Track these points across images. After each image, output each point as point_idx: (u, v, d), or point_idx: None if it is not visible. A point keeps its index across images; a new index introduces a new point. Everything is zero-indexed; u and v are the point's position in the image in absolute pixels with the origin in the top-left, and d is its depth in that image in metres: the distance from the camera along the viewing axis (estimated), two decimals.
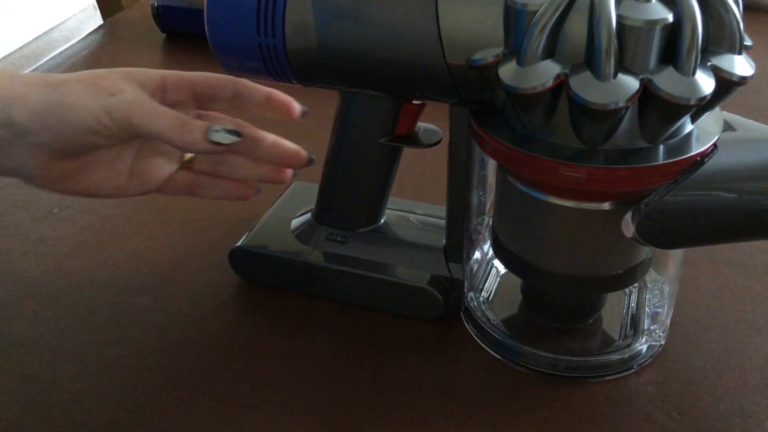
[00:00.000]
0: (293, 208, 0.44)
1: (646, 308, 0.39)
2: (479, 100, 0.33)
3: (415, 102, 0.37)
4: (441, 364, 0.37)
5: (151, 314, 0.41)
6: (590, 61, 0.27)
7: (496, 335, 0.38)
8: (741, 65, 0.28)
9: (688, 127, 0.31)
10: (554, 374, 0.36)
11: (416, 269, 0.39)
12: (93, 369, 0.37)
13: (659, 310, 0.39)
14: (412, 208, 0.44)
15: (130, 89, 0.31)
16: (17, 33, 2.96)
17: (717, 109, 0.32)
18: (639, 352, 0.37)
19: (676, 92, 0.27)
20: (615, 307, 0.39)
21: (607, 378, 0.36)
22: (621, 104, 0.27)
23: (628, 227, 0.31)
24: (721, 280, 0.43)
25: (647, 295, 0.40)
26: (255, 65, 0.35)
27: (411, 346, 0.38)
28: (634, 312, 0.39)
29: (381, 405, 0.35)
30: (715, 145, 0.31)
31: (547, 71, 0.28)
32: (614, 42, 0.26)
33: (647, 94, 0.27)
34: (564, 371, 0.36)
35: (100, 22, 0.87)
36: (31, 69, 0.73)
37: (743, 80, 0.28)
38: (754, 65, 0.29)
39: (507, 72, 0.29)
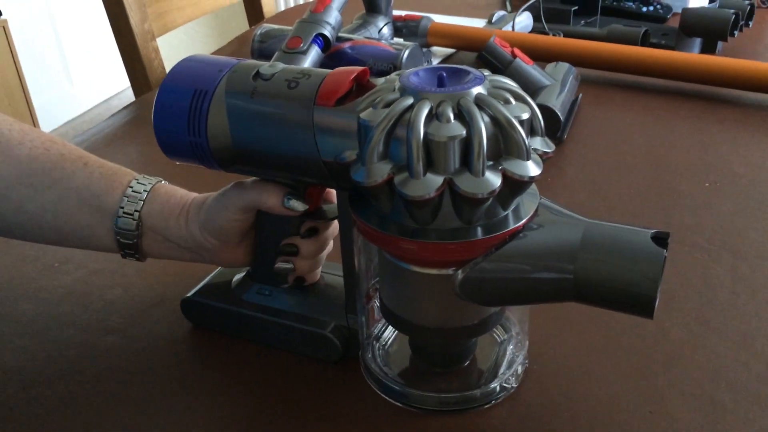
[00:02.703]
0: (234, 271, 0.54)
1: (507, 355, 0.46)
2: (352, 187, 0.41)
3: (318, 186, 0.47)
4: (337, 401, 0.45)
5: (116, 350, 0.50)
6: (408, 164, 0.36)
7: (383, 379, 0.45)
8: (528, 168, 0.36)
9: (502, 212, 0.39)
10: (423, 408, 0.44)
11: (322, 319, 0.48)
12: (61, 392, 0.47)
13: (516, 357, 0.46)
14: (328, 268, 0.52)
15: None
16: (81, 100, 3.21)
17: (535, 196, 0.40)
18: (494, 391, 0.44)
19: (468, 188, 0.35)
20: (487, 352, 0.47)
21: (468, 409, 0.44)
22: (430, 195, 0.35)
23: (454, 288, 0.39)
24: (574, 334, 0.50)
25: (509, 345, 0.47)
26: (188, 155, 0.46)
27: (315, 383, 0.47)
28: (499, 358, 0.47)
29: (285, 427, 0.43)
30: (524, 227, 0.38)
31: (381, 170, 0.36)
32: (421, 151, 0.35)
33: (452, 190, 0.36)
34: (433, 406, 0.44)
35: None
36: (90, 131, 0.86)
37: (531, 179, 0.36)
38: (541, 167, 0.37)
39: (355, 170, 0.38)
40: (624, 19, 1.14)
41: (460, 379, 0.46)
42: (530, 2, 1.10)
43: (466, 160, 0.36)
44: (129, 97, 1.04)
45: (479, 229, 0.38)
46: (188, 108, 0.44)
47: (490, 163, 0.36)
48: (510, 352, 0.47)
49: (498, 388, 0.44)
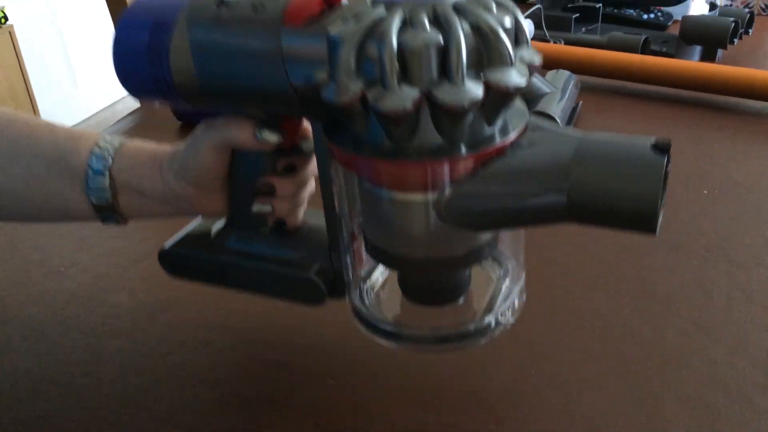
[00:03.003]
0: (213, 220, 0.51)
1: (502, 290, 0.44)
2: (326, 114, 0.39)
3: (293, 119, 0.45)
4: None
5: (122, 354, 0.51)
6: (381, 76, 0.33)
7: (372, 321, 0.43)
8: (512, 76, 0.34)
9: (487, 129, 0.36)
10: (415, 346, 0.43)
11: (305, 262, 0.46)
12: (66, 393, 0.47)
13: (511, 291, 0.44)
14: (313, 213, 0.50)
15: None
16: (86, 104, 3.22)
17: (524, 112, 0.38)
18: (489, 325, 0.42)
19: (447, 98, 0.33)
20: (481, 289, 0.45)
21: (462, 346, 0.42)
22: (406, 109, 0.33)
23: (439, 211, 0.37)
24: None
25: (506, 280, 0.45)
26: (151, 91, 0.43)
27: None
28: (494, 294, 0.44)
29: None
30: (513, 144, 0.36)
31: (353, 87, 0.34)
32: (395, 61, 0.33)
33: (431, 103, 0.33)
34: (427, 343, 0.43)
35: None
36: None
37: (517, 89, 0.33)
38: (527, 78, 0.34)
39: (326, 89, 0.35)
40: (624, 26, 1.15)
41: (454, 315, 0.44)
42: (532, 9, 1.10)
43: (445, 71, 0.33)
44: (134, 101, 1.04)
45: (463, 147, 0.36)
46: (148, 40, 0.42)
47: (471, 72, 0.34)
48: (506, 287, 0.44)
49: (493, 322, 0.42)
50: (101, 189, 0.46)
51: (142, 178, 0.47)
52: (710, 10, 1.16)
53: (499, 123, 0.37)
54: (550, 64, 0.94)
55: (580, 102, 0.89)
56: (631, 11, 1.18)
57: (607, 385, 0.46)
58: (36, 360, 0.51)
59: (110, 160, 0.47)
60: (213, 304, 0.56)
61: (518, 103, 0.38)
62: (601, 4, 1.14)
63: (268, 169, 0.46)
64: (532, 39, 1.10)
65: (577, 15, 1.13)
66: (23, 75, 2.16)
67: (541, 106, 0.78)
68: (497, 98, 0.34)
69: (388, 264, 0.43)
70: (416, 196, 0.37)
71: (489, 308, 0.43)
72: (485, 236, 0.40)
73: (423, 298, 0.44)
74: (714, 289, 0.55)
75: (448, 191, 0.36)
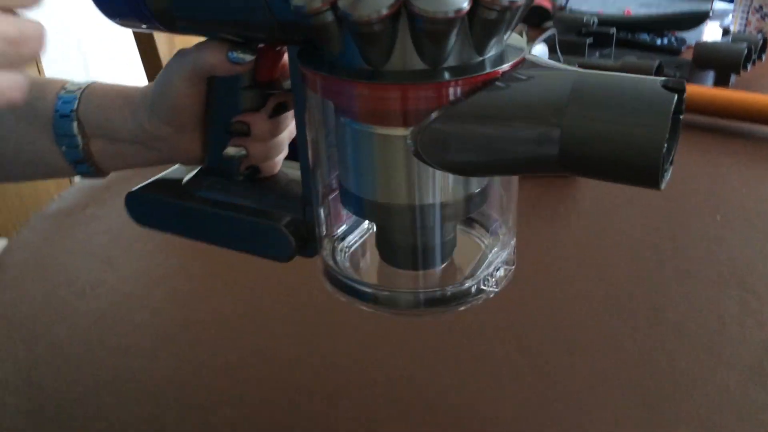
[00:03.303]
0: (189, 168, 0.48)
1: (488, 257, 0.41)
2: (302, 40, 0.37)
3: (274, 49, 0.42)
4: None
5: (144, 372, 0.53)
6: None
7: (344, 279, 0.40)
8: None
9: (476, 56, 0.32)
10: (392, 309, 0.39)
11: (276, 212, 0.43)
12: (92, 413, 0.49)
13: (497, 257, 0.41)
14: (291, 165, 0.47)
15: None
16: None
17: (521, 48, 0.34)
18: (468, 291, 0.39)
19: (427, 6, 0.29)
20: (467, 256, 0.41)
21: (442, 311, 0.39)
22: (381, 14, 0.29)
23: (411, 141, 0.33)
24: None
25: (495, 248, 0.41)
26: (124, 10, 0.40)
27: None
28: (480, 260, 0.41)
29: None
30: (502, 76, 0.32)
31: None
32: None
33: (412, 16, 0.30)
34: (405, 306, 0.39)
35: None
36: None
37: (512, 3, 0.29)
38: None
39: None
40: (638, 51, 1.16)
41: (434, 279, 0.40)
42: (546, 34, 1.12)
43: None
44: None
45: (446, 73, 0.32)
46: None
47: None
48: (493, 254, 0.41)
49: (474, 288, 0.39)
50: (70, 135, 0.44)
51: (112, 119, 0.44)
52: (723, 36, 1.17)
53: (490, 52, 0.33)
54: None
55: None
56: (645, 36, 1.19)
57: (620, 410, 0.47)
58: (62, 378, 0.52)
59: (76, 103, 0.44)
60: (234, 325, 0.57)
61: (516, 37, 0.35)
62: (615, 29, 1.15)
63: (245, 107, 0.43)
64: None
65: (591, 40, 1.14)
66: (40, 75, 2.21)
67: None
68: (490, 16, 0.30)
69: (365, 215, 0.39)
70: (396, 130, 0.33)
71: (471, 274, 0.40)
72: (470, 188, 0.36)
73: (402, 261, 0.40)
74: (727, 316, 0.56)
75: (424, 122, 0.32)
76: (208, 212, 0.44)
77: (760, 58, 1.06)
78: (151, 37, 1.05)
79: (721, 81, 1.02)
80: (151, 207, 0.47)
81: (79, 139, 0.44)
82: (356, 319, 0.56)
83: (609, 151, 0.30)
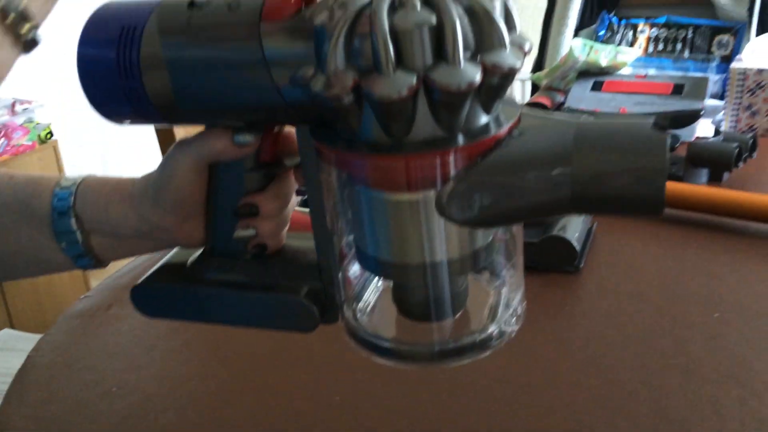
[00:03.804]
0: (190, 251, 0.48)
1: (502, 299, 0.43)
2: (314, 116, 0.38)
3: (273, 130, 0.43)
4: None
5: None
6: (375, 62, 0.32)
7: (369, 338, 0.41)
8: (507, 57, 0.33)
9: (484, 117, 0.35)
10: (416, 362, 0.41)
11: (293, 285, 0.43)
12: None
13: (512, 299, 0.43)
14: (294, 235, 0.47)
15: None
16: None
17: (516, 105, 0.37)
18: (491, 335, 0.41)
19: (445, 80, 0.32)
20: (478, 303, 0.43)
21: (466, 359, 0.40)
22: (403, 94, 0.32)
23: (441, 204, 0.35)
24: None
25: (504, 288, 0.43)
26: (123, 106, 0.40)
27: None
28: (494, 303, 0.43)
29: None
30: (510, 132, 0.35)
31: (345, 77, 0.33)
32: (389, 44, 0.31)
33: (429, 88, 0.32)
34: (427, 359, 0.40)
35: None
36: (131, 262, 0.93)
37: (512, 70, 0.33)
38: (522, 60, 0.34)
39: (315, 82, 0.34)
40: None
41: (452, 329, 0.41)
42: None
43: (440, 52, 0.32)
44: None
45: (461, 137, 0.34)
46: (116, 52, 0.38)
47: (467, 54, 0.33)
48: (505, 295, 0.43)
49: (497, 331, 0.41)
50: (69, 232, 0.44)
51: (111, 215, 0.44)
52: (714, 135, 1.23)
53: (494, 112, 0.36)
54: None
55: (595, 223, 0.94)
56: None
57: None
58: None
59: (72, 200, 0.44)
60: (257, 423, 0.59)
61: (510, 95, 0.37)
62: None
63: (250, 188, 0.44)
64: None
65: None
66: None
67: (558, 231, 0.84)
68: (494, 82, 0.33)
69: (386, 274, 0.40)
70: (413, 195, 0.36)
71: (492, 318, 0.41)
72: (481, 240, 0.39)
73: (420, 314, 0.41)
74: (726, 414, 0.58)
75: (449, 185, 0.35)
76: (222, 294, 0.44)
77: (751, 155, 1.11)
78: None
79: (715, 177, 1.07)
80: (159, 297, 0.46)
81: (79, 234, 0.44)
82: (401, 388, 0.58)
83: (616, 189, 0.34)
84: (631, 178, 0.33)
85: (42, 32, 0.24)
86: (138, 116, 0.41)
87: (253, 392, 0.63)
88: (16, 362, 1.19)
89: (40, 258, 0.46)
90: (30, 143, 2.18)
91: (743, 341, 0.68)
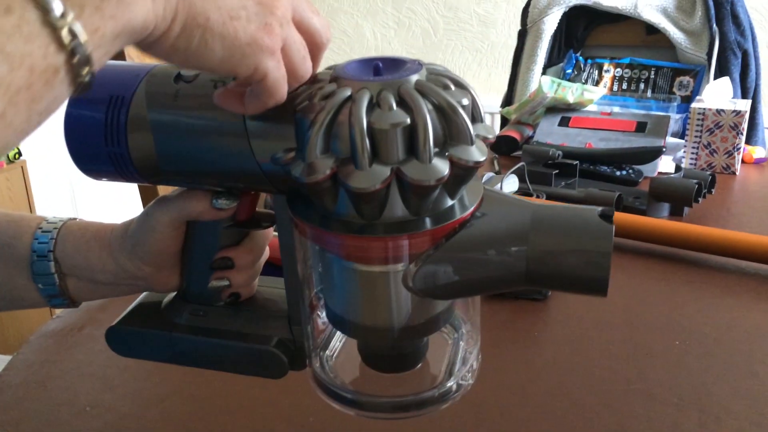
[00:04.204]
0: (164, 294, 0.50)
1: (459, 353, 0.45)
2: (290, 189, 0.40)
3: (251, 193, 0.45)
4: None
5: None
6: (352, 155, 0.34)
7: (334, 388, 0.43)
8: (473, 153, 0.36)
9: (449, 201, 0.38)
10: (378, 415, 0.43)
11: (264, 334, 0.46)
12: None
13: (469, 354, 0.45)
14: (266, 282, 0.50)
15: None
16: None
17: (479, 185, 0.40)
18: (450, 389, 0.43)
19: (417, 176, 0.34)
20: (438, 353, 0.45)
21: (425, 412, 0.43)
22: (377, 187, 0.34)
23: (407, 283, 0.39)
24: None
25: (462, 343, 0.46)
26: (106, 168, 0.42)
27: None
28: (452, 357, 0.45)
29: None
30: (472, 215, 0.38)
31: (324, 165, 0.35)
32: (366, 141, 0.34)
33: (401, 180, 0.35)
34: (388, 411, 0.43)
35: None
36: None
37: (477, 164, 0.36)
38: (486, 153, 0.36)
39: (296, 167, 0.36)
40: (600, 181, 1.26)
41: (414, 381, 0.44)
42: (517, 166, 1.22)
43: (412, 148, 0.35)
44: None
45: (428, 220, 0.37)
46: (104, 116, 0.40)
47: (436, 150, 0.35)
48: (462, 349, 0.45)
49: (455, 386, 0.43)
50: (47, 275, 0.45)
51: (90, 262, 0.45)
52: (675, 172, 1.28)
53: (458, 195, 0.38)
54: None
55: None
56: (606, 168, 1.30)
57: None
58: None
59: (52, 243, 0.45)
60: None
61: (475, 177, 0.40)
62: (578, 162, 1.26)
63: (225, 243, 0.46)
64: (516, 192, 1.21)
65: (557, 171, 1.24)
66: (30, 206, 2.26)
67: None
68: (460, 174, 0.36)
69: (354, 334, 0.42)
70: (383, 267, 0.38)
71: (449, 372, 0.44)
72: (446, 303, 0.42)
73: (384, 366, 0.44)
74: None
75: (415, 263, 0.38)
76: (195, 340, 0.47)
77: (710, 191, 1.16)
78: None
79: (676, 211, 1.12)
80: (133, 339, 0.48)
81: (56, 277, 0.45)
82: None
83: (567, 270, 0.37)
84: (582, 258, 0.37)
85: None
86: (119, 176, 0.43)
87: (229, 413, 0.64)
88: None
89: (13, 295, 0.47)
90: None
91: (703, 368, 0.71)
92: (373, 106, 0.35)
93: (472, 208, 0.38)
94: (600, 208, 0.38)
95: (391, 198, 0.36)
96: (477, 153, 0.36)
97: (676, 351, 0.74)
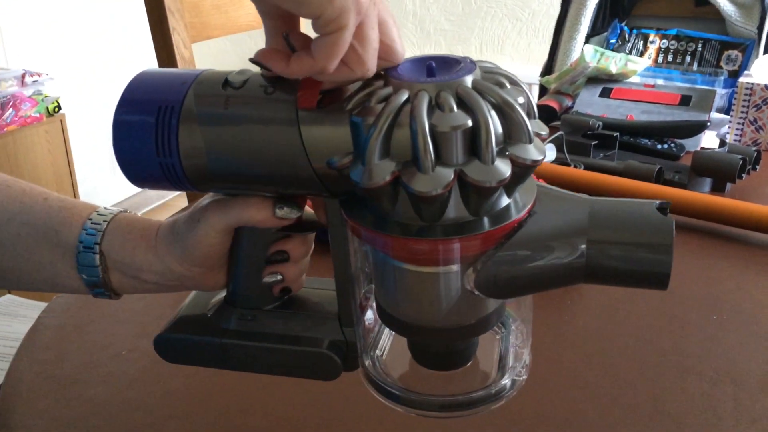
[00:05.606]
0: (209, 296, 0.50)
1: (510, 348, 0.45)
2: (345, 192, 0.40)
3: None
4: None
5: None
6: (415, 159, 0.34)
7: (385, 386, 0.43)
8: (532, 151, 0.36)
9: (506, 200, 0.38)
10: (427, 414, 0.43)
11: (316, 337, 0.46)
12: None
13: (522, 349, 0.46)
14: (311, 283, 0.50)
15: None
16: (120, 188, 3.36)
17: (533, 182, 0.40)
18: (504, 387, 0.43)
19: (479, 178, 0.34)
20: (488, 351, 0.45)
21: (479, 411, 0.43)
22: (440, 191, 0.34)
23: (470, 284, 0.38)
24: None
25: (511, 338, 0.46)
26: (157, 178, 0.42)
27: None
28: (503, 353, 0.45)
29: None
30: (529, 213, 0.38)
31: (385, 169, 0.35)
32: (429, 144, 0.34)
33: (462, 181, 0.35)
34: (444, 410, 0.43)
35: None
36: None
37: (535, 163, 0.35)
38: (544, 151, 0.36)
39: (355, 172, 0.36)
40: (640, 154, 1.24)
41: (465, 379, 0.44)
42: (554, 135, 1.20)
43: (473, 149, 0.35)
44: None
45: (487, 221, 0.37)
46: (155, 126, 0.40)
47: (497, 150, 0.35)
48: (513, 345, 0.46)
49: (509, 383, 0.43)
50: (91, 266, 0.45)
51: (136, 258, 0.45)
52: (720, 147, 1.25)
53: (515, 194, 0.38)
54: (570, 186, 1.01)
55: None
56: (646, 141, 1.27)
57: None
58: None
59: (100, 236, 0.45)
60: (262, 393, 0.61)
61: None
62: (618, 134, 1.23)
63: (276, 239, 0.46)
64: (553, 161, 1.19)
65: (596, 142, 1.22)
66: (68, 160, 2.29)
67: None
68: (518, 172, 0.36)
69: (409, 335, 0.42)
70: (437, 269, 0.38)
71: (503, 369, 0.44)
72: (499, 301, 0.41)
73: (436, 364, 0.44)
74: (722, 411, 0.60)
75: (478, 264, 0.38)
76: (246, 346, 0.46)
77: (754, 168, 1.13)
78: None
79: (718, 187, 1.09)
80: (183, 347, 0.48)
81: (100, 270, 0.45)
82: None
83: (627, 265, 0.37)
84: (644, 252, 0.37)
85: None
86: (168, 184, 0.42)
87: None
88: (18, 327, 1.21)
89: (56, 281, 0.47)
90: (38, 115, 2.19)
91: (739, 343, 0.70)
92: (432, 108, 0.35)
93: (529, 206, 0.38)
94: (657, 201, 0.38)
95: (451, 200, 0.36)
96: (535, 151, 0.36)
97: (712, 325, 0.73)
